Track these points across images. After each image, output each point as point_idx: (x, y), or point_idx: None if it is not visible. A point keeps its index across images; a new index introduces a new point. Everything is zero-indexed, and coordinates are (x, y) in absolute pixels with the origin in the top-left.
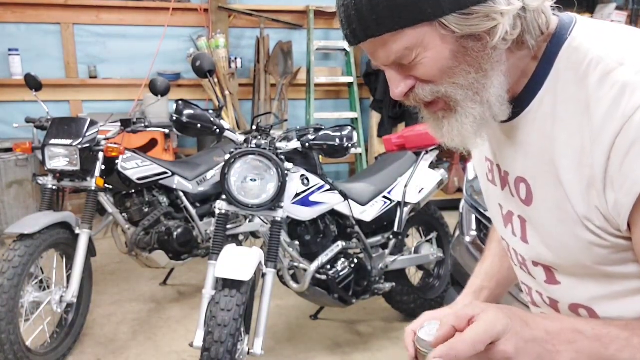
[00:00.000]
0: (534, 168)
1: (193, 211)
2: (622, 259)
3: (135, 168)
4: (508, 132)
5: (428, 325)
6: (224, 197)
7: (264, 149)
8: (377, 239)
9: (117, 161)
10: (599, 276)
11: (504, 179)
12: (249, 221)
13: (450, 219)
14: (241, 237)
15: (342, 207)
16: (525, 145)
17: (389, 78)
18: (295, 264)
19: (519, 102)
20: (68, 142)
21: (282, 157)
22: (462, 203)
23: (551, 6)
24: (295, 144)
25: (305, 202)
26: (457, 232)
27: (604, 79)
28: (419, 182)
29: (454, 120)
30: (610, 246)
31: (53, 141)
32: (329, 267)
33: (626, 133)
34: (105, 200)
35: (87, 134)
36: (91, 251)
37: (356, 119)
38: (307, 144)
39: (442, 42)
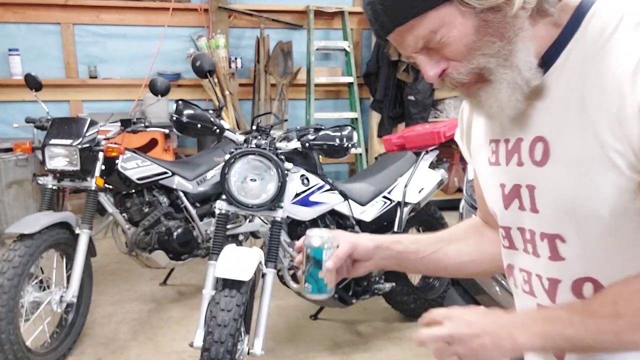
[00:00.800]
0: (557, 122)
1: (193, 211)
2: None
3: (135, 168)
4: (528, 96)
5: (320, 230)
6: (224, 197)
7: (264, 149)
8: None
9: (117, 161)
10: (610, 237)
11: (514, 148)
12: (249, 221)
13: (450, 219)
14: (241, 237)
15: (342, 207)
16: (549, 101)
17: (420, 64)
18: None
19: (543, 64)
20: (68, 142)
21: (282, 157)
22: (462, 203)
23: None
24: (295, 144)
25: (305, 202)
26: None
27: (637, 27)
28: (419, 182)
29: (490, 89)
30: (635, 189)
31: (53, 141)
32: None
33: None
34: (105, 200)
35: (87, 134)
36: (91, 251)
37: (356, 119)
38: (307, 144)
39: (464, 19)
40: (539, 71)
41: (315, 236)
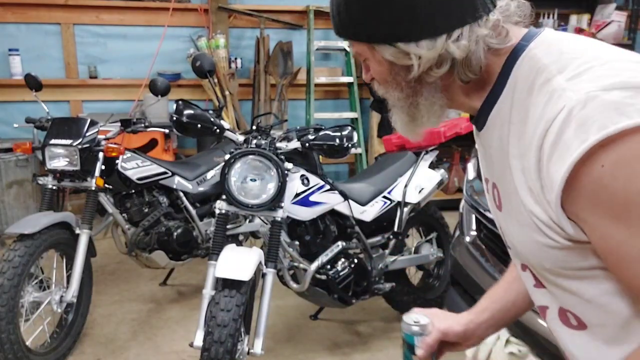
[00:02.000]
0: (498, 173)
1: (193, 211)
2: (579, 260)
3: (135, 168)
4: (482, 142)
5: (416, 314)
6: (224, 197)
7: (264, 149)
8: (377, 239)
9: (117, 161)
10: (566, 281)
11: (488, 187)
12: (249, 221)
13: (450, 219)
14: (241, 237)
15: (342, 207)
16: (492, 152)
17: (363, 65)
18: (295, 264)
19: (483, 112)
20: (68, 142)
21: (282, 157)
22: (462, 203)
23: (534, 10)
24: (295, 144)
25: (305, 202)
26: (457, 232)
27: (543, 86)
28: (419, 182)
29: (394, 116)
30: (564, 248)
31: (53, 141)
32: (329, 267)
33: (549, 136)
34: (105, 200)
35: (87, 134)
36: (91, 251)
37: (356, 119)
38: (307, 144)
39: (377, 60)
40: (440, 118)
41: (410, 321)
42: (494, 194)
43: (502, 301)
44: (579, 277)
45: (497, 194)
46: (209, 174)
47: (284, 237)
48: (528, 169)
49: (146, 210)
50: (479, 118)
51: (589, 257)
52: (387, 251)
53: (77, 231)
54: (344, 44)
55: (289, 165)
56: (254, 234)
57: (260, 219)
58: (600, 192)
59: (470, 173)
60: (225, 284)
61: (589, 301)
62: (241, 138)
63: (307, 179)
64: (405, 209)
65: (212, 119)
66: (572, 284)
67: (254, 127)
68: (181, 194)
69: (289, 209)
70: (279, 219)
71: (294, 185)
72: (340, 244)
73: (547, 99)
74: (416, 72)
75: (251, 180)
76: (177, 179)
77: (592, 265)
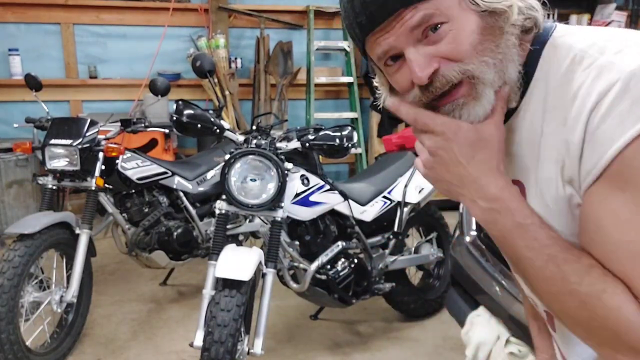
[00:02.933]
0: (525, 166)
1: (193, 211)
2: None
3: (135, 168)
4: (507, 133)
5: None
6: (224, 197)
7: (264, 149)
8: (377, 239)
9: (117, 161)
10: None
11: None
12: (249, 221)
13: (450, 219)
14: (241, 237)
15: (342, 207)
16: (517, 146)
17: (411, 60)
18: (295, 264)
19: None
20: (68, 142)
21: (282, 157)
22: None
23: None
24: (295, 144)
25: (305, 202)
26: (457, 232)
27: (588, 69)
28: (419, 182)
29: (471, 107)
30: None
31: (53, 141)
32: (329, 267)
33: (599, 108)
34: (105, 200)
35: (87, 134)
36: (91, 251)
37: (356, 119)
38: (307, 144)
39: (470, 15)
40: (517, 93)
41: None
42: None
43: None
44: None
45: (519, 191)
46: (209, 174)
47: (284, 237)
48: (570, 149)
49: (146, 210)
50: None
51: None
52: (387, 251)
53: (77, 231)
54: (344, 44)
55: (289, 165)
56: (254, 234)
57: (260, 219)
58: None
59: None
60: (225, 284)
61: None
62: (241, 138)
63: (307, 179)
64: (405, 209)
65: (212, 119)
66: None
67: (254, 127)
68: (181, 193)
69: (289, 209)
70: (279, 219)
71: (294, 185)
72: (340, 244)
73: (596, 75)
74: (515, 14)
75: (251, 180)
76: (177, 179)
77: None
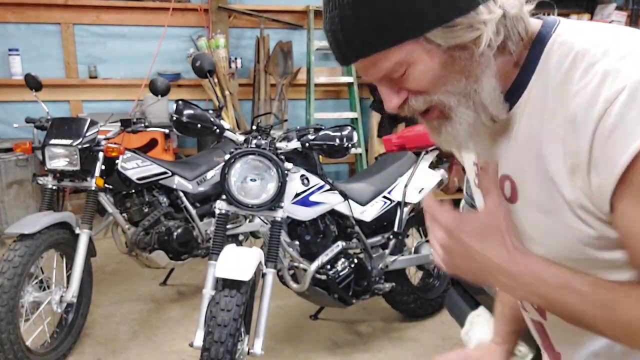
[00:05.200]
0: (520, 163)
1: (193, 211)
2: (606, 248)
3: (135, 168)
4: (499, 129)
5: None
6: (224, 197)
7: (264, 149)
8: (377, 239)
9: (117, 161)
10: (586, 269)
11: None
12: (249, 221)
13: None
14: (241, 237)
15: (342, 207)
16: (513, 142)
17: (382, 92)
18: (295, 264)
19: (506, 102)
20: (68, 142)
21: (282, 157)
22: (462, 203)
23: (534, 10)
24: (295, 144)
25: (305, 202)
26: None
27: (589, 69)
28: (419, 182)
29: (449, 127)
30: (597, 236)
31: (53, 141)
32: (329, 267)
33: (608, 117)
34: (105, 200)
35: (87, 134)
36: (91, 251)
37: (356, 119)
38: (307, 144)
39: (430, 56)
40: (505, 105)
41: None
42: (502, 187)
43: (520, 315)
44: (603, 267)
45: (509, 187)
46: (209, 174)
47: (284, 237)
48: (575, 153)
49: (146, 210)
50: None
51: (614, 246)
52: (387, 251)
53: (77, 231)
54: None
55: (289, 165)
56: (254, 234)
57: (260, 219)
58: None
59: None
60: (225, 284)
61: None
62: (241, 138)
63: (307, 179)
64: (405, 209)
65: (212, 119)
66: (592, 272)
67: (254, 127)
68: (181, 193)
69: (289, 209)
70: (279, 219)
71: (294, 185)
72: (340, 244)
73: (600, 80)
74: (484, 44)
75: (251, 180)
76: (177, 178)
77: (616, 257)
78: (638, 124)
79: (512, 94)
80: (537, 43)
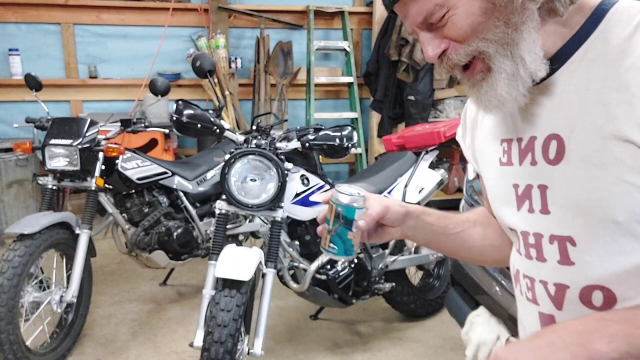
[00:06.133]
0: (571, 117)
1: (193, 211)
2: None
3: (135, 168)
4: (540, 93)
5: (349, 187)
6: (224, 197)
7: (264, 149)
8: None
9: (117, 161)
10: (626, 242)
11: (528, 147)
12: (249, 221)
13: None
14: (241, 237)
15: None
16: (563, 97)
17: (422, 40)
18: (295, 264)
19: (556, 60)
20: (68, 142)
21: (282, 157)
22: (462, 203)
23: None
24: (295, 144)
25: (305, 202)
26: None
27: None
28: (419, 182)
29: (490, 79)
30: None
31: (53, 141)
32: (329, 267)
33: None
34: (105, 200)
35: (87, 134)
36: (91, 251)
37: (356, 119)
38: (307, 144)
39: (471, 0)
40: (545, 64)
41: (346, 193)
42: (545, 148)
43: (448, 222)
44: None
45: (555, 146)
46: (209, 174)
47: (284, 237)
48: (635, 114)
49: (146, 210)
50: (552, 64)
51: None
52: (387, 251)
53: (77, 231)
54: (344, 44)
55: (289, 165)
56: (254, 234)
57: (260, 219)
58: None
59: (470, 173)
60: (225, 284)
61: (634, 272)
62: (241, 138)
63: (307, 179)
64: None
65: (212, 119)
66: (633, 244)
67: (254, 127)
68: (181, 194)
69: (289, 209)
70: (279, 219)
71: (294, 185)
72: None
73: None
74: None
75: (251, 180)
76: (177, 179)
77: None
78: None
79: (564, 53)
80: (597, 11)
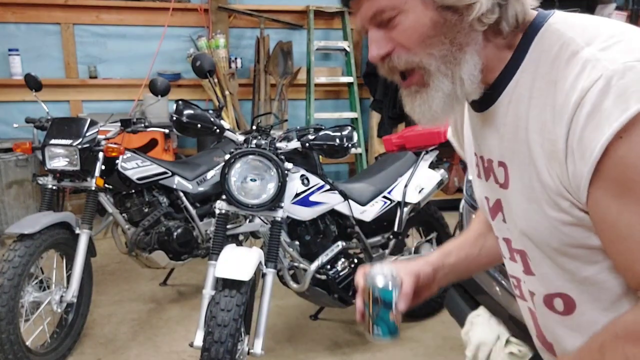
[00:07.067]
0: (510, 149)
1: (193, 211)
2: (587, 237)
3: (135, 168)
4: (488, 119)
5: (381, 267)
6: (224, 197)
7: (264, 149)
8: (377, 239)
9: (117, 161)
10: (567, 262)
11: (488, 168)
12: (249, 221)
13: (450, 219)
14: (241, 237)
15: (342, 207)
16: (502, 128)
17: (370, 39)
18: (295, 264)
19: (496, 88)
20: (68, 142)
21: (282, 157)
22: (462, 203)
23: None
24: (295, 144)
25: (305, 202)
26: (457, 232)
27: (571, 58)
28: (419, 182)
29: (425, 94)
30: (576, 223)
31: (53, 141)
32: (329, 267)
33: (583, 106)
34: (105, 200)
35: (87, 134)
36: (91, 251)
37: (356, 119)
38: (307, 144)
39: (424, 8)
40: (480, 87)
41: (381, 276)
42: (495, 172)
43: (466, 250)
44: (582, 255)
45: (503, 172)
46: (209, 174)
47: (284, 237)
48: (553, 140)
49: (146, 210)
50: (489, 94)
51: (593, 234)
52: (387, 251)
53: (77, 231)
54: (344, 44)
55: (289, 165)
56: (254, 234)
57: (260, 219)
58: (625, 165)
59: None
60: (225, 284)
61: (584, 280)
62: (241, 138)
63: (307, 179)
64: (405, 209)
65: (212, 119)
66: (573, 263)
67: (254, 127)
68: (181, 194)
69: (289, 209)
70: (279, 219)
71: (294, 185)
72: (340, 244)
73: (580, 70)
74: (475, 12)
75: (251, 180)
76: (177, 179)
77: (596, 244)
78: (612, 113)
79: (503, 78)
80: (530, 30)
